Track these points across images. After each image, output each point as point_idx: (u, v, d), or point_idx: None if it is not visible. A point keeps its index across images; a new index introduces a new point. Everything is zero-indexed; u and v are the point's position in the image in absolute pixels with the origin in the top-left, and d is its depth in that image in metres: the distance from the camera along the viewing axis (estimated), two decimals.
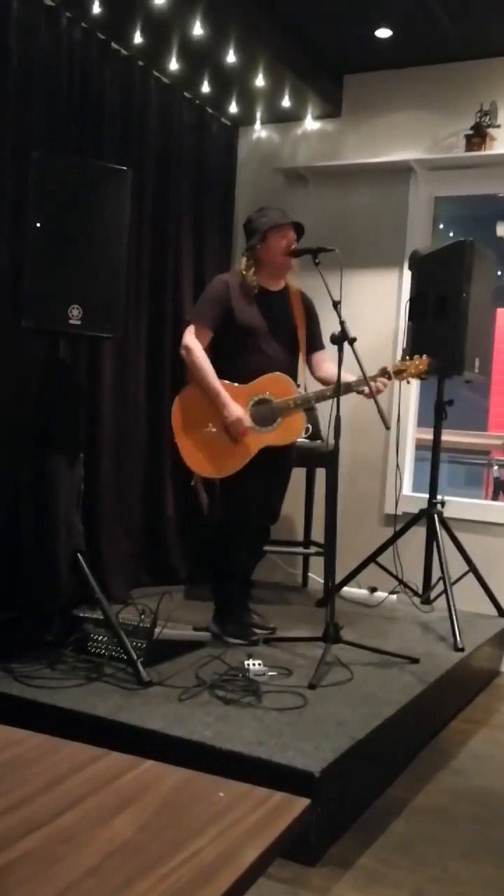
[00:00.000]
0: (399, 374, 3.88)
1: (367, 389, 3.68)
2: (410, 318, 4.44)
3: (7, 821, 1.25)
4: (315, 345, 4.02)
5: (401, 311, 5.10)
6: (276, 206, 3.98)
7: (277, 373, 3.83)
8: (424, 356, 3.92)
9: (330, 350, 3.66)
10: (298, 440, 3.98)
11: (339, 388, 3.59)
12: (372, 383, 3.66)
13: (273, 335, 3.86)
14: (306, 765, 2.59)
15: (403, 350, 4.44)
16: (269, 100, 5.11)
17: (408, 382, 4.11)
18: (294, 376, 3.89)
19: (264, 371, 3.81)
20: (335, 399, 3.58)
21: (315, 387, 3.92)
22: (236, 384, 3.79)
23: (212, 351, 3.84)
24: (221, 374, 3.80)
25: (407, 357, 3.98)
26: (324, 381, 3.95)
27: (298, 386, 3.87)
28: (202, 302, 3.91)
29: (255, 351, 3.82)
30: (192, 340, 3.81)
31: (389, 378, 3.82)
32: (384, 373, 3.81)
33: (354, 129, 5.34)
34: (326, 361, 4.00)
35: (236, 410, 3.74)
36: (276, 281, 3.92)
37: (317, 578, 5.19)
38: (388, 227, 5.25)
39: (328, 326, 3.62)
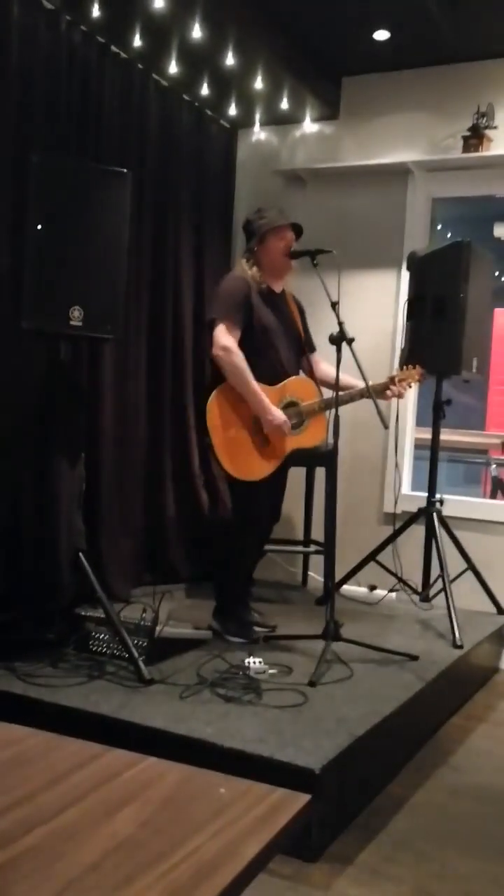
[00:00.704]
0: (400, 381, 3.95)
1: (388, 392, 3.86)
2: (408, 319, 4.45)
3: (9, 817, 1.26)
4: (308, 347, 4.05)
5: (399, 311, 5.12)
6: (275, 206, 3.98)
7: (302, 376, 3.88)
8: (418, 366, 3.98)
9: (329, 350, 3.68)
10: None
11: (336, 389, 3.60)
12: (393, 387, 3.85)
13: (283, 335, 3.88)
14: (307, 762, 2.61)
15: (402, 351, 4.45)
16: (268, 102, 5.13)
17: (409, 386, 4.13)
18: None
19: (280, 371, 3.83)
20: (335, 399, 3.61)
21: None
22: (266, 386, 3.77)
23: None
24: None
25: (403, 367, 4.05)
26: (322, 383, 3.98)
27: None
28: (226, 300, 3.78)
29: (273, 351, 3.83)
30: (230, 340, 3.69)
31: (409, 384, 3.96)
32: (392, 379, 3.93)
33: (352, 131, 5.35)
34: (322, 363, 4.04)
35: (280, 414, 3.73)
36: (277, 282, 3.94)
37: (316, 577, 5.20)
38: (386, 229, 5.26)
39: (327, 327, 3.64)
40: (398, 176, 5.20)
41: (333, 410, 3.58)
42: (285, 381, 3.84)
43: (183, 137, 5.03)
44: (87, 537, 3.70)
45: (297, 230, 3.89)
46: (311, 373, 4.02)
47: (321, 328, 3.99)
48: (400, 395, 3.92)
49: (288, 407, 3.82)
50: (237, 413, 3.75)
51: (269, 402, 3.73)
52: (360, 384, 3.71)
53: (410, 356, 4.27)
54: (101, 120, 4.35)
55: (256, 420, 3.76)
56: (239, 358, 3.69)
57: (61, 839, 1.21)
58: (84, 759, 1.46)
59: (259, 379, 3.75)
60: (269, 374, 3.81)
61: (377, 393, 3.76)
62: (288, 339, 3.91)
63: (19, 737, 1.54)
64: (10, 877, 1.12)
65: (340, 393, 3.67)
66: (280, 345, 3.85)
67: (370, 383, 3.66)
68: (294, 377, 3.87)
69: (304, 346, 3.97)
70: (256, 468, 3.77)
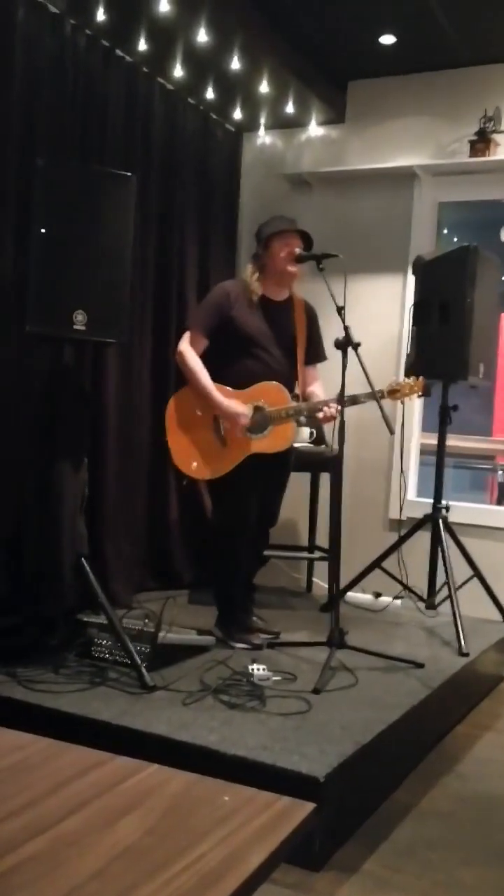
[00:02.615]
0: (393, 393, 3.83)
1: (321, 413, 3.72)
2: (414, 324, 4.44)
3: (12, 824, 1.25)
4: (311, 357, 4.01)
5: (405, 316, 5.10)
6: (287, 216, 3.97)
7: (273, 381, 3.84)
8: (421, 378, 3.91)
9: (335, 355, 3.66)
10: (303, 445, 3.99)
11: (342, 395, 3.59)
12: (327, 409, 3.70)
13: (274, 344, 3.87)
14: (311, 769, 2.59)
15: (407, 356, 4.44)
16: (273, 106, 5.12)
17: (402, 403, 4.06)
18: (291, 386, 3.91)
19: (262, 379, 3.83)
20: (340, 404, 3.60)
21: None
22: (232, 389, 3.82)
23: (211, 357, 3.86)
24: (221, 380, 3.82)
25: (404, 378, 4.00)
26: (304, 395, 3.95)
27: (295, 396, 3.88)
28: (201, 309, 3.99)
29: (254, 358, 3.84)
30: (185, 345, 3.87)
31: (346, 405, 3.64)
32: (338, 399, 3.63)
33: (358, 135, 5.35)
34: (316, 381, 4.01)
35: (232, 404, 3.78)
36: (280, 290, 3.92)
37: (321, 583, 5.18)
38: (392, 233, 5.26)
39: (332, 332, 3.63)
40: (404, 180, 5.19)
41: (340, 417, 3.58)
42: (255, 385, 3.82)
43: (188, 141, 5.03)
44: (90, 542, 3.69)
45: (306, 239, 3.88)
46: (302, 383, 3.97)
47: (327, 333, 3.98)
48: (332, 417, 3.67)
49: (253, 411, 3.82)
50: (196, 414, 3.86)
51: (222, 397, 3.79)
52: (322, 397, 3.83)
53: (416, 361, 4.26)
54: (105, 123, 4.35)
55: (216, 421, 3.83)
56: (191, 360, 3.84)
57: (64, 846, 1.20)
58: (87, 766, 1.45)
59: (239, 384, 3.81)
60: (246, 379, 3.82)
61: (306, 412, 3.81)
62: (280, 348, 3.90)
63: (22, 743, 1.53)
64: (12, 884, 1.11)
65: (307, 403, 3.80)
66: (266, 353, 3.86)
67: (376, 388, 3.64)
68: (265, 382, 3.83)
69: (298, 355, 3.94)
70: (211, 467, 3.84)
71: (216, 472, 3.84)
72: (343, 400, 3.59)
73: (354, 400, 3.69)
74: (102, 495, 4.39)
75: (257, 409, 3.82)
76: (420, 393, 3.92)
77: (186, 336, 3.90)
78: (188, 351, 3.85)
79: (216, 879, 1.13)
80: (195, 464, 3.86)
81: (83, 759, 1.47)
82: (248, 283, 3.88)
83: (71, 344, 3.59)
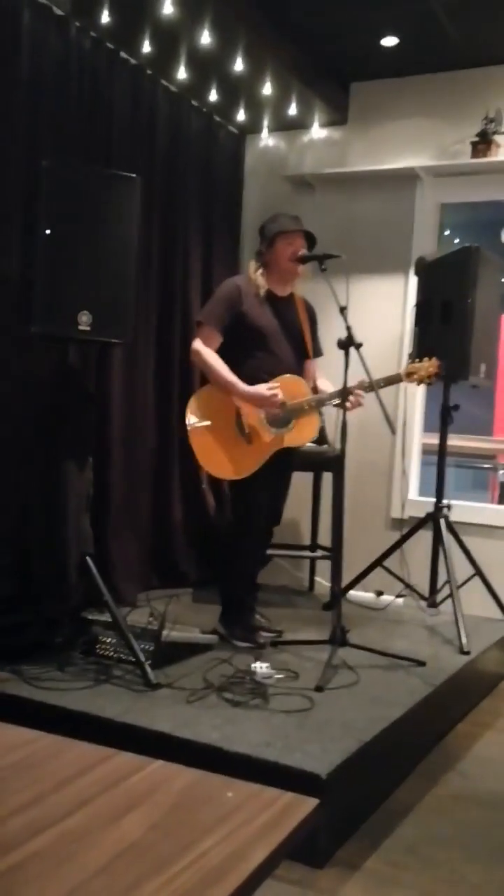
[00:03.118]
0: (410, 375, 3.89)
1: (349, 402, 3.66)
2: (416, 324, 4.45)
3: (17, 820, 1.26)
4: (313, 352, 4.05)
5: (407, 316, 5.12)
6: (291, 214, 3.98)
7: (290, 374, 3.85)
8: (434, 358, 3.92)
9: (337, 355, 3.67)
10: (305, 444, 4.00)
11: (344, 392, 3.61)
12: (351, 397, 3.65)
13: (283, 338, 3.89)
14: (313, 767, 2.61)
15: (410, 355, 4.45)
16: (276, 108, 5.13)
17: (417, 384, 4.10)
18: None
19: (276, 373, 3.83)
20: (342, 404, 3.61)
21: None
22: (248, 385, 3.80)
23: (223, 353, 3.84)
24: (236, 376, 3.80)
25: (417, 359, 3.99)
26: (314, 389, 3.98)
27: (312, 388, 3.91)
28: (212, 304, 3.91)
29: (266, 353, 3.84)
30: (200, 344, 3.82)
31: (368, 390, 3.70)
32: (362, 385, 3.70)
33: (361, 137, 5.36)
34: (321, 379, 4.03)
35: (260, 388, 3.74)
36: (283, 286, 3.94)
37: (323, 582, 5.19)
38: (394, 234, 5.27)
39: (334, 332, 3.64)
40: (406, 181, 5.20)
41: (341, 415, 3.59)
42: (273, 379, 3.82)
43: (191, 143, 5.05)
44: (95, 541, 3.71)
45: (310, 239, 3.89)
46: (309, 376, 4.01)
47: (329, 333, 3.99)
48: (359, 404, 3.70)
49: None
50: (217, 413, 3.80)
51: (245, 386, 3.74)
52: (332, 389, 3.79)
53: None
54: (110, 125, 4.37)
55: (238, 418, 3.79)
56: (209, 356, 3.79)
57: (68, 842, 1.21)
58: (91, 762, 1.45)
59: (252, 380, 3.79)
60: (260, 374, 3.82)
61: (320, 405, 3.82)
62: (288, 342, 3.92)
63: (27, 739, 1.54)
64: (17, 880, 1.12)
65: (327, 393, 3.78)
66: (277, 347, 3.87)
67: (374, 378, 3.63)
68: (283, 376, 3.84)
69: (307, 349, 3.97)
70: (238, 466, 3.78)
71: (244, 471, 3.78)
72: (371, 385, 3.59)
73: (376, 385, 3.65)
74: (107, 494, 4.41)
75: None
76: (437, 373, 3.92)
77: (200, 333, 3.85)
78: (204, 349, 3.80)
79: (220, 875, 1.14)
80: (221, 464, 3.79)
81: (87, 756, 1.48)
82: (253, 279, 3.89)
83: (76, 344, 3.60)
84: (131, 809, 1.30)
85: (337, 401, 3.71)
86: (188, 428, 3.81)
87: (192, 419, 3.81)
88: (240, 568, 4.00)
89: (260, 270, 3.90)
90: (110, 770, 1.43)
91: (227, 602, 4.01)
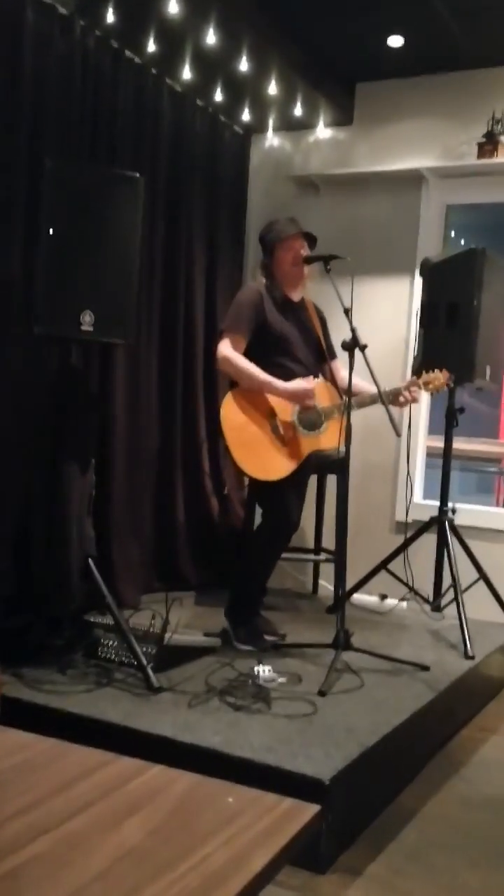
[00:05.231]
0: (426, 385, 3.96)
1: (401, 398, 3.82)
2: (421, 326, 4.43)
3: (16, 824, 1.25)
4: (331, 354, 4.08)
5: (412, 318, 5.10)
6: (286, 216, 3.98)
7: (320, 379, 3.89)
8: (445, 370, 3.98)
9: (341, 357, 3.67)
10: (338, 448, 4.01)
11: (349, 395, 3.60)
12: (406, 392, 3.79)
13: (303, 344, 3.93)
14: (316, 772, 2.59)
15: (414, 358, 4.44)
16: (282, 108, 5.12)
17: (431, 394, 4.16)
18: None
19: (298, 377, 3.86)
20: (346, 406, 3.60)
21: None
22: None
23: (248, 359, 3.86)
24: None
25: (427, 370, 4.03)
26: (341, 389, 3.98)
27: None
28: (233, 312, 3.92)
29: (289, 358, 3.88)
30: (228, 350, 3.82)
31: (420, 388, 3.89)
32: (415, 383, 3.89)
33: (366, 137, 5.35)
34: (342, 370, 4.02)
35: (295, 382, 3.78)
36: (293, 291, 3.98)
37: (327, 585, 5.18)
38: (399, 235, 5.26)
39: (339, 333, 3.63)
40: (412, 182, 5.19)
41: (345, 418, 3.58)
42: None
43: (196, 143, 5.04)
44: (97, 543, 3.69)
45: (310, 238, 3.89)
46: (332, 379, 4.02)
47: (335, 334, 4.00)
48: (414, 401, 3.90)
49: (305, 409, 3.86)
50: (251, 414, 3.81)
51: (281, 382, 3.78)
52: (373, 389, 3.71)
53: (423, 363, 4.25)
54: (114, 125, 4.36)
55: (273, 419, 3.81)
56: (239, 360, 3.80)
57: (68, 847, 1.20)
58: (91, 766, 1.45)
59: None
60: (285, 380, 3.85)
61: (390, 399, 3.76)
62: (308, 347, 3.97)
63: (27, 743, 1.53)
64: (16, 885, 1.11)
65: (354, 398, 3.71)
66: (298, 352, 3.91)
67: (382, 389, 3.65)
68: (317, 380, 3.90)
69: (324, 353, 3.99)
70: (276, 467, 3.79)
71: (282, 472, 3.79)
72: (414, 386, 3.78)
73: (381, 398, 3.66)
74: (110, 497, 4.39)
75: (309, 406, 3.85)
76: (447, 385, 4.02)
77: (225, 340, 3.85)
78: (233, 354, 3.80)
79: (220, 881, 1.13)
80: (259, 464, 3.79)
81: (87, 760, 1.47)
82: (269, 288, 3.94)
83: (78, 345, 3.60)
84: (131, 814, 1.30)
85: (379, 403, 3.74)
86: (224, 430, 3.80)
87: (228, 420, 3.81)
88: (260, 569, 3.99)
89: (266, 282, 3.94)
90: (110, 774, 1.42)
91: (237, 600, 4.00)
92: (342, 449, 3.61)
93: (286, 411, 3.86)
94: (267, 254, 3.90)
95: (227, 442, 3.80)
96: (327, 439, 3.85)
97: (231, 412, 3.81)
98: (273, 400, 3.85)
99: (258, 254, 4.04)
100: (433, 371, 4.00)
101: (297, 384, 3.80)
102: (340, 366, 4.06)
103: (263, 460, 3.79)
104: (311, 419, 3.83)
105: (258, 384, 3.78)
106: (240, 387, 3.86)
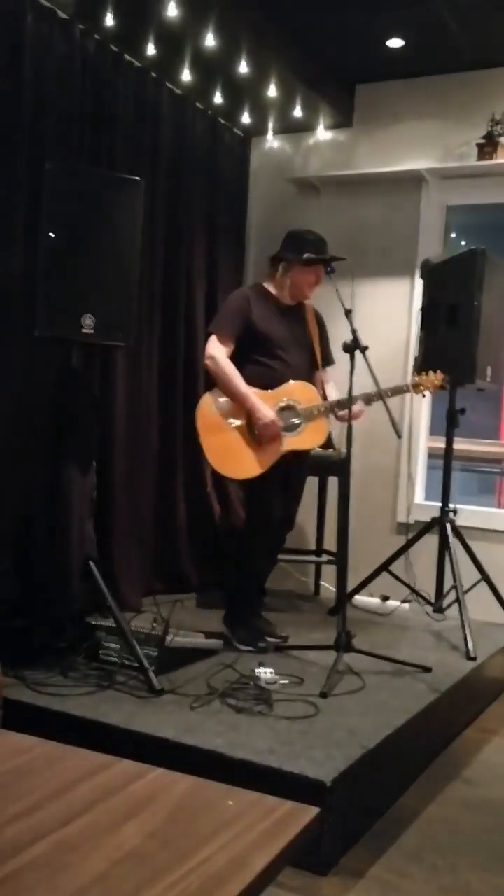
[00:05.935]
0: (417, 387, 3.95)
1: (347, 412, 3.68)
2: (422, 327, 4.44)
3: (16, 827, 1.25)
4: (323, 360, 4.08)
5: (413, 319, 5.10)
6: (319, 236, 3.93)
7: (300, 381, 3.89)
8: (439, 372, 3.96)
9: (343, 358, 3.66)
10: (314, 448, 4.01)
11: (350, 397, 3.60)
12: (356, 407, 3.69)
13: (292, 345, 3.93)
14: (318, 774, 2.59)
15: (415, 359, 4.44)
16: (281, 110, 5.13)
17: (423, 396, 4.14)
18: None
19: (286, 379, 3.87)
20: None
21: None
22: (259, 390, 3.84)
23: (234, 360, 3.88)
24: (246, 382, 3.84)
25: (423, 372, 4.02)
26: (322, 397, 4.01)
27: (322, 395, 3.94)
28: (223, 313, 3.98)
29: (276, 359, 3.88)
30: (216, 349, 3.86)
31: (375, 399, 3.75)
32: (367, 396, 3.77)
33: (366, 139, 5.35)
34: (329, 384, 4.07)
35: (269, 413, 3.78)
36: (291, 300, 3.98)
37: (329, 587, 5.18)
38: (399, 236, 5.25)
39: (340, 335, 3.63)
40: (412, 183, 5.19)
41: (347, 422, 3.59)
42: (284, 385, 3.87)
43: (196, 145, 5.04)
44: (98, 546, 3.69)
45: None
46: (319, 385, 4.02)
47: (335, 336, 4.00)
48: (354, 417, 3.67)
49: (284, 410, 3.85)
50: (227, 414, 3.85)
51: (260, 402, 3.79)
52: (335, 396, 3.84)
53: (424, 364, 4.26)
54: (114, 128, 4.36)
55: (250, 421, 3.83)
56: (225, 365, 3.84)
57: (67, 850, 1.20)
58: (91, 769, 1.45)
59: (259, 385, 3.84)
60: (270, 380, 3.86)
61: (329, 411, 3.84)
62: (298, 350, 3.95)
63: (26, 746, 1.53)
64: (14, 888, 1.11)
65: (336, 399, 3.80)
66: (287, 353, 3.91)
67: (382, 387, 3.65)
68: (294, 382, 3.89)
69: (316, 357, 3.99)
70: (247, 466, 3.82)
71: (252, 471, 3.82)
72: (381, 394, 3.63)
73: (380, 395, 3.68)
74: (111, 498, 4.40)
75: (288, 407, 3.86)
76: (441, 386, 4.00)
77: (213, 340, 3.89)
78: (221, 355, 3.85)
79: (220, 883, 1.13)
80: (231, 464, 3.85)
81: (87, 763, 1.47)
82: (271, 285, 3.94)
83: (79, 347, 3.60)
84: (131, 817, 1.30)
85: (339, 412, 3.81)
86: (198, 427, 3.85)
87: (203, 419, 3.86)
88: (249, 567, 4.01)
89: (280, 278, 3.93)
90: (110, 777, 1.42)
91: (232, 601, 4.01)
92: (343, 451, 3.61)
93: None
94: (287, 255, 3.89)
95: (200, 441, 3.86)
96: (304, 439, 3.86)
97: (204, 413, 3.86)
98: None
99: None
100: (428, 373, 3.99)
101: (268, 416, 3.76)
102: (328, 378, 4.09)
103: (235, 459, 3.83)
104: (289, 420, 3.84)
105: (236, 394, 3.81)
106: (216, 388, 3.90)
